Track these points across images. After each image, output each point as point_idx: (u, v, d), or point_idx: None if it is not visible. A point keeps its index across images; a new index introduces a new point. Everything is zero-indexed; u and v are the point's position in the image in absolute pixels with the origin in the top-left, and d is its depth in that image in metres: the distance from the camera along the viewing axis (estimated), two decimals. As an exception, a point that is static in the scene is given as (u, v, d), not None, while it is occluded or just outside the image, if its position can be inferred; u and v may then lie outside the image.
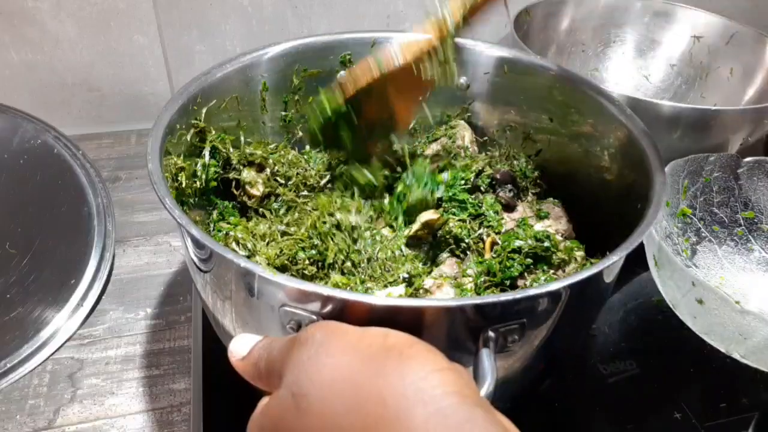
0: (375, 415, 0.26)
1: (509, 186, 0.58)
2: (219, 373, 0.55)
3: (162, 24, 0.83)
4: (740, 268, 0.67)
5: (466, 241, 0.52)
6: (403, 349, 0.28)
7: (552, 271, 0.49)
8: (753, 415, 0.55)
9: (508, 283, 0.49)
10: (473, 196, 0.56)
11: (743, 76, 0.84)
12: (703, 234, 0.68)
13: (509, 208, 0.56)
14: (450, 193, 0.56)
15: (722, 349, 0.55)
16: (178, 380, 0.56)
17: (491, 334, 0.35)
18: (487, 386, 0.32)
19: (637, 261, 0.63)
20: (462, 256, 0.53)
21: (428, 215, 0.54)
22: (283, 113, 0.62)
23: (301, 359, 0.29)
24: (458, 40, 0.61)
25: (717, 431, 0.53)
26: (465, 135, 0.63)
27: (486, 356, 0.34)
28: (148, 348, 0.59)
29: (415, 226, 0.53)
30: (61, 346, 0.56)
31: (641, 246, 0.61)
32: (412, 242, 0.54)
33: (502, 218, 0.54)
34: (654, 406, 0.55)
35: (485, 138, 0.65)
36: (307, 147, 0.64)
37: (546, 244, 0.49)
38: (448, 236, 0.53)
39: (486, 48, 0.61)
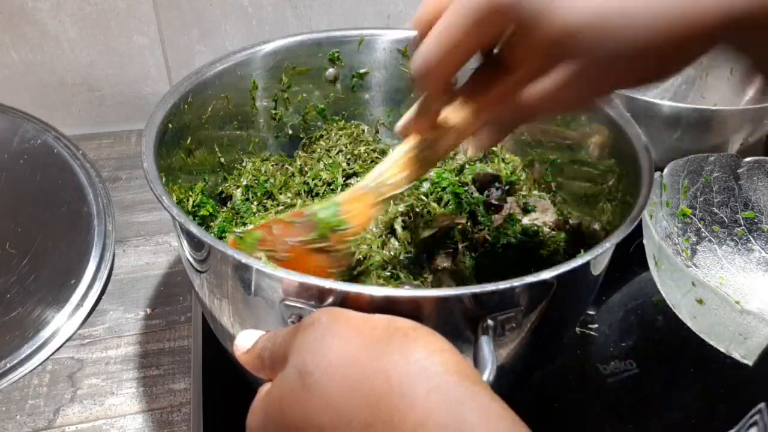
0: (379, 392, 0.26)
1: (495, 185, 0.58)
2: (219, 373, 0.55)
3: (162, 24, 0.83)
4: (740, 268, 0.67)
5: (468, 238, 0.53)
6: (408, 331, 0.29)
7: (542, 262, 0.49)
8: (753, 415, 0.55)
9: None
10: (464, 189, 0.57)
11: (743, 76, 0.84)
12: (703, 234, 0.68)
13: (500, 209, 0.56)
14: (440, 188, 0.56)
15: (722, 349, 0.55)
16: (178, 380, 0.56)
17: (490, 322, 0.35)
18: (488, 373, 0.33)
19: (637, 261, 0.63)
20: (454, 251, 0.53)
21: (456, 220, 0.53)
22: (273, 111, 0.62)
23: (308, 340, 0.29)
24: None
25: (717, 431, 0.53)
26: (469, 148, 0.63)
27: (486, 344, 0.34)
28: (148, 348, 0.59)
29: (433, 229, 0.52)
30: (61, 346, 0.56)
31: (641, 246, 0.62)
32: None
33: (491, 216, 0.55)
34: (654, 406, 0.55)
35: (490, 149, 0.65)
36: (299, 150, 0.64)
37: (535, 239, 0.49)
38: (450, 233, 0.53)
39: None
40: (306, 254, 0.42)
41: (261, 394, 0.31)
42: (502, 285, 0.34)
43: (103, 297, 0.62)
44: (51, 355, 0.55)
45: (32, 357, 0.55)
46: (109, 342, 0.59)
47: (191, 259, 0.43)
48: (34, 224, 0.63)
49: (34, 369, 0.54)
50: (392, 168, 0.40)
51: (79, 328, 0.58)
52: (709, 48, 0.30)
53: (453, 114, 0.37)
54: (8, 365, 0.53)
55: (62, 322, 0.57)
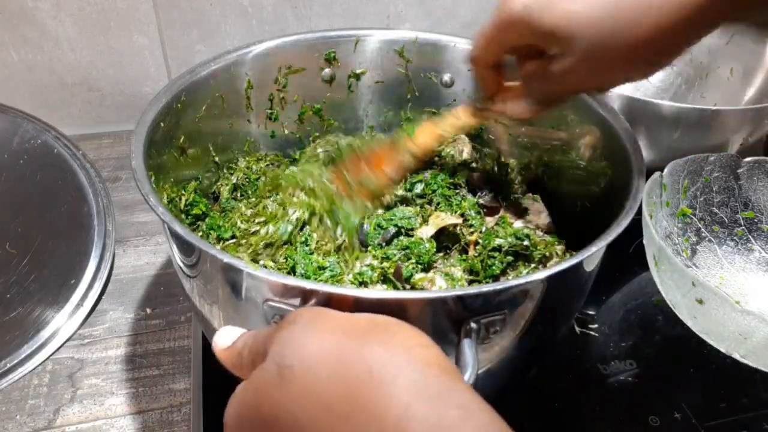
0: (358, 383, 0.26)
1: (489, 187, 0.58)
2: (219, 373, 0.55)
3: (162, 24, 0.83)
4: (740, 268, 0.67)
5: (462, 241, 0.53)
6: (389, 326, 0.29)
7: (533, 266, 0.50)
8: (753, 415, 0.55)
9: (490, 281, 0.49)
10: (456, 191, 0.57)
11: (743, 76, 0.84)
12: (703, 234, 0.68)
13: (493, 210, 0.56)
14: (431, 189, 0.56)
15: (722, 349, 0.55)
16: (178, 380, 0.56)
17: (473, 325, 0.35)
18: (467, 376, 0.33)
19: (637, 261, 0.63)
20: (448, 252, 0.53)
21: (449, 220, 0.53)
22: (269, 111, 0.62)
23: (288, 335, 0.29)
24: (439, 36, 0.62)
25: (717, 431, 0.53)
26: (464, 149, 0.63)
27: (468, 347, 0.34)
28: (148, 348, 0.59)
29: (431, 230, 0.52)
30: (61, 346, 0.56)
31: (641, 246, 0.62)
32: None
33: (483, 218, 0.55)
34: (654, 406, 0.55)
35: (485, 150, 0.64)
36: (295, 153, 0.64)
37: (525, 242, 0.49)
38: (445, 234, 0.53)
39: (467, 44, 0.61)
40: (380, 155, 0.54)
41: (238, 389, 0.31)
42: (485, 288, 0.34)
43: (103, 297, 0.62)
44: (51, 355, 0.55)
45: (32, 357, 0.55)
46: (109, 342, 0.59)
47: (178, 257, 0.43)
48: (34, 224, 0.63)
49: (34, 369, 0.54)
50: (457, 115, 0.53)
51: (79, 328, 0.58)
52: (682, 48, 0.39)
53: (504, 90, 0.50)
54: (8, 365, 0.53)
55: (62, 322, 0.57)
